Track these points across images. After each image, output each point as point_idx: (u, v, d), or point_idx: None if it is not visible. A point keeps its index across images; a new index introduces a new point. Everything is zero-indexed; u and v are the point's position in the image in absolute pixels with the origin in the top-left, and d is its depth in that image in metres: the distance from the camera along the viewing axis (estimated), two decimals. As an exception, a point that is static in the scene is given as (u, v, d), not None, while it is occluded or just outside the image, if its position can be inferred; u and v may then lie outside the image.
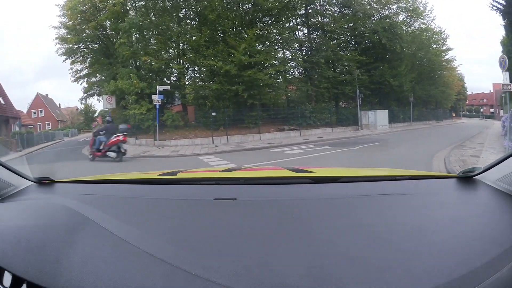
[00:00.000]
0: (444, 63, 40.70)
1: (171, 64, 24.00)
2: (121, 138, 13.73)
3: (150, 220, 1.30)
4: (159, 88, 20.56)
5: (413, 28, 35.64)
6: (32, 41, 61.44)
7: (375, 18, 30.90)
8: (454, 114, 61.68)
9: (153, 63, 23.01)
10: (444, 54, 39.83)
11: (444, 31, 39.73)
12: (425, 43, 36.91)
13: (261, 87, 23.03)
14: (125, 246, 1.04)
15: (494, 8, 19.83)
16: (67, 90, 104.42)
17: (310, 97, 27.27)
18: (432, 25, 37.40)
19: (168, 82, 25.06)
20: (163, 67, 23.99)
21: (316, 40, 29.40)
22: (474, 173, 1.53)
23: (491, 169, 1.46)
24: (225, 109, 21.51)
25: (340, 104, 31.77)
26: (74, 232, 1.18)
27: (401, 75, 31.33)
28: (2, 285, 0.99)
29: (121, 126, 14.62)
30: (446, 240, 1.00)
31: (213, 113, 20.76)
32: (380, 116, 29.50)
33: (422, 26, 36.13)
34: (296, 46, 29.01)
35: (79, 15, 24.56)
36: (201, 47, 22.52)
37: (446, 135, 23.41)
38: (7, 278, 0.99)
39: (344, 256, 0.93)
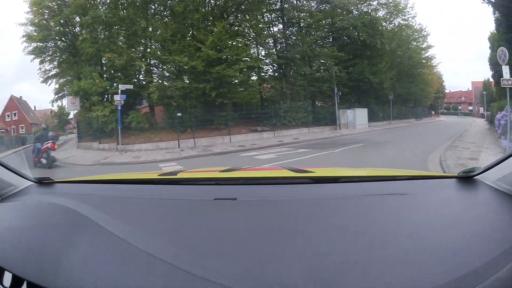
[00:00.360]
0: (424, 61, 42.14)
1: (136, 62, 23.09)
2: (49, 145, 14.09)
3: (150, 220, 1.34)
4: (121, 87, 19.90)
5: (393, 25, 36.38)
6: (6, 40, 58.05)
7: (355, 14, 31.36)
8: (433, 112, 65.25)
9: (117, 60, 22.32)
10: (424, 51, 41.02)
11: (425, 28, 40.23)
12: (405, 40, 37.73)
13: (231, 85, 22.68)
14: (125, 246, 1.07)
15: (486, 1, 20.04)
16: (44, 92, 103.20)
17: (285, 96, 27.12)
18: (413, 22, 38.07)
19: (135, 80, 24.56)
20: (128, 65, 23.55)
21: (292, 36, 29.18)
22: (474, 173, 1.55)
23: (491, 169, 1.48)
24: (192, 110, 21.22)
25: (317, 103, 32.12)
26: (74, 232, 1.20)
27: (382, 72, 31.68)
28: (2, 285, 1.01)
29: (50, 134, 15.01)
30: (446, 240, 1.03)
31: (179, 114, 20.18)
32: (359, 115, 29.79)
33: (403, 23, 36.94)
34: (271, 41, 28.82)
35: (45, 11, 24.10)
36: (167, 41, 21.92)
37: (431, 133, 23.83)
38: (7, 278, 1.01)
39: (344, 256, 0.97)
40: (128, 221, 1.32)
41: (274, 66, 28.79)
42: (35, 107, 45.14)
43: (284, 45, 27.93)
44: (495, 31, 22.91)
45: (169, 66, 23.11)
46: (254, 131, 22.25)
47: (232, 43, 22.91)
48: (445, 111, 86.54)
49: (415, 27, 37.72)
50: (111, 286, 0.90)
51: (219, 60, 21.06)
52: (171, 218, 1.38)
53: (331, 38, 31.76)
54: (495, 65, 21.49)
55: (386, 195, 1.51)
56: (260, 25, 26.23)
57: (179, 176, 2.05)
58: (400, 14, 35.36)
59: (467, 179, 1.58)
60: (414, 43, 38.77)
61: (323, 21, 29.39)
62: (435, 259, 0.93)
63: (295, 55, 25.75)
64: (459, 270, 0.88)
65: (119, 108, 19.21)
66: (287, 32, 28.27)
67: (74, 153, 20.22)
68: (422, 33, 39.20)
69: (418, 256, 0.96)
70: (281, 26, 28.69)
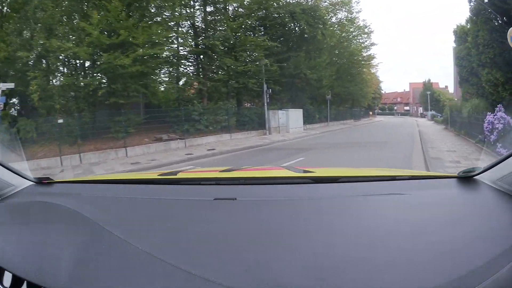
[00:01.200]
0: (365, 60, 43.31)
1: (19, 52, 17.98)
2: None
3: (150, 220, 1.43)
4: (1, 86, 16.38)
5: (336, 18, 36.38)
6: None
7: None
8: (370, 113, 70.64)
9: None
10: (366, 50, 42.02)
11: (369, 25, 42.78)
12: (347, 36, 38.39)
13: (127, 79, 18.66)
14: (125, 246, 1.14)
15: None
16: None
17: (201, 93, 24.38)
18: (357, 18, 38.36)
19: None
20: (12, 57, 18.12)
21: (214, 19, 25.99)
22: (474, 173, 1.67)
23: (491, 169, 1.57)
24: (80, 114, 17.86)
25: (246, 103, 29.93)
26: (74, 232, 1.29)
27: (321, 68, 30.55)
28: (2, 285, 1.08)
29: None
30: (446, 240, 1.11)
31: (60, 121, 17.01)
32: (293, 117, 28.45)
33: (347, 17, 37.07)
34: (188, 24, 25.13)
35: None
36: (56, 24, 18.23)
37: (382, 136, 23.11)
38: (7, 278, 1.08)
39: (344, 256, 1.06)
40: (128, 221, 1.41)
41: (191, 57, 26.08)
42: None
43: (203, 30, 25.15)
44: (462, 23, 23.67)
45: (54, 56, 18.55)
46: (158, 140, 19.24)
47: (130, 23, 18.99)
48: (380, 111, 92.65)
49: (358, 23, 38.76)
50: (111, 286, 0.95)
51: (115, 46, 17.96)
52: (171, 218, 1.45)
53: (262, 26, 29.59)
54: (462, 60, 21.86)
55: (386, 195, 1.59)
56: (171, 2, 21.86)
57: (179, 176, 2.16)
58: (344, 8, 35.55)
59: (467, 179, 1.66)
60: (356, 40, 40.10)
61: (255, 7, 26.78)
62: (435, 259, 0.98)
63: (215, 41, 23.08)
64: (459, 270, 0.92)
65: (-4, 114, 16.24)
66: (209, 17, 25.58)
67: None
68: (366, 29, 39.74)
69: (418, 256, 1.02)
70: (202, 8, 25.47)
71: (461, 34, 22.43)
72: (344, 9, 35.54)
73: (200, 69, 25.18)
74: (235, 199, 1.57)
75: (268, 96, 25.09)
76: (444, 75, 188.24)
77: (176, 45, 23.71)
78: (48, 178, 2.00)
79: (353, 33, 39.00)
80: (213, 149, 17.88)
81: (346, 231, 1.23)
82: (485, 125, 12.87)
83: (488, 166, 1.58)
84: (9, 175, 1.82)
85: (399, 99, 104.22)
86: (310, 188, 1.75)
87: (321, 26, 29.68)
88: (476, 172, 1.64)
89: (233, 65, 24.68)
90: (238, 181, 1.97)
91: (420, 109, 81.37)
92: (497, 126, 12.06)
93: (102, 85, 18.38)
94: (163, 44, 21.39)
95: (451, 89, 79.85)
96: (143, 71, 18.93)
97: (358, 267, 0.97)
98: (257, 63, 25.62)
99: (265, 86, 24.84)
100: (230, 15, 26.21)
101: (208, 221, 1.37)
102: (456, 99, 66.87)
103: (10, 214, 1.62)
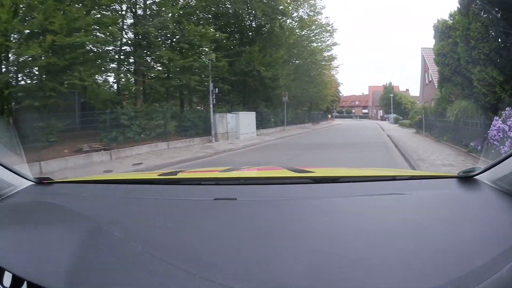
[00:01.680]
0: (326, 60, 41.66)
1: None
2: None
3: (150, 220, 1.48)
4: None
5: (297, 14, 33.76)
6: None
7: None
8: (329, 116, 71.08)
9: None
10: (328, 49, 41.02)
11: (332, 24, 39.86)
12: (309, 34, 36.38)
13: (47, 75, 15.46)
14: (125, 246, 1.19)
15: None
16: None
17: (136, 93, 21.36)
18: (321, 12, 36.65)
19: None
20: None
21: (154, 1, 21.85)
22: (474, 173, 1.75)
23: (491, 169, 1.64)
24: None
25: (195, 106, 27.95)
26: (74, 232, 1.33)
27: (277, 65, 28.21)
28: (2, 285, 1.11)
29: None
30: (446, 240, 1.16)
31: None
32: (245, 121, 25.98)
33: (311, 12, 34.77)
34: (123, 8, 20.88)
35: None
36: None
37: (348, 140, 21.77)
38: (7, 278, 1.11)
39: (344, 255, 1.10)
40: (128, 221, 1.45)
41: (128, 49, 22.32)
42: None
43: (140, 17, 20.94)
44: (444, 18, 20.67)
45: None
46: (79, 151, 15.69)
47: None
48: (338, 114, 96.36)
49: (321, 21, 37.18)
50: (111, 286, 0.99)
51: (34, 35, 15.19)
52: (171, 218, 1.49)
53: (213, 18, 26.65)
54: (444, 57, 19.08)
55: (386, 195, 1.65)
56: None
57: (179, 176, 2.25)
58: (307, 3, 33.68)
59: (467, 179, 1.74)
60: (318, 38, 38.20)
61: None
62: (435, 259, 1.02)
63: (150, 28, 19.60)
64: (459, 270, 0.95)
65: None
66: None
67: None
68: (328, 28, 39.10)
69: (418, 256, 1.06)
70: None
71: (443, 29, 20.26)
72: (306, 4, 34.69)
73: (132, 62, 21.86)
74: (235, 199, 1.62)
75: (214, 97, 22.43)
76: (405, 78, 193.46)
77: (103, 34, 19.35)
78: (48, 178, 2.10)
79: (315, 31, 39.14)
80: (140, 163, 15.18)
81: (346, 231, 1.28)
82: (493, 132, 11.06)
83: (488, 166, 1.66)
84: (9, 175, 1.88)
85: (357, 102, 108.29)
86: (310, 188, 1.83)
87: (280, 18, 28.49)
88: (476, 172, 1.73)
89: (172, 58, 21.08)
90: (238, 181, 2.05)
91: (380, 112, 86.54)
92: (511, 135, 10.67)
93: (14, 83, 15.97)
94: (89, 31, 17.05)
95: (412, 92, 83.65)
96: (60, 64, 15.32)
97: (358, 267, 1.01)
98: (202, 58, 23.41)
99: (211, 84, 22.31)
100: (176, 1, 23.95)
101: (208, 221, 1.44)
102: (418, 102, 69.43)
103: (10, 214, 1.66)
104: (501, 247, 1.03)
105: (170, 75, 22.04)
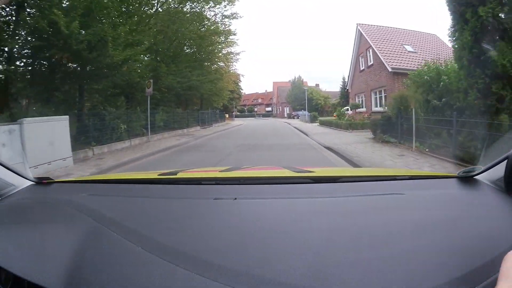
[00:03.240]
0: (223, 34, 32.29)
1: None
2: None
3: (150, 220, 1.50)
4: None
5: None
6: None
7: None
8: (227, 115, 63.77)
9: None
10: (224, 21, 31.24)
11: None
12: (203, 15, 28.94)
13: None
14: (125, 246, 1.19)
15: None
16: None
17: None
18: None
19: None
20: None
21: None
22: (474, 173, 1.77)
23: (491, 169, 1.65)
24: None
25: None
26: (74, 232, 1.34)
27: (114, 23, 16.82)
28: (2, 285, 1.13)
29: None
30: (446, 240, 1.16)
31: None
32: (42, 137, 11.17)
33: None
34: None
35: None
36: None
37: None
38: (7, 278, 1.14)
39: (344, 256, 1.10)
40: (128, 220, 1.43)
41: None
42: None
43: None
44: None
45: None
46: None
47: None
48: (239, 113, 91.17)
49: None
50: (111, 286, 0.99)
51: None
52: (171, 218, 1.51)
53: None
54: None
55: (386, 195, 1.67)
56: None
57: (179, 176, 2.24)
58: None
59: (467, 179, 1.75)
60: (216, 20, 30.74)
61: None
62: (435, 259, 1.02)
63: None
64: (459, 270, 0.96)
65: None
66: None
67: None
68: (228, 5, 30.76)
69: (418, 256, 1.07)
70: None
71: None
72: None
73: None
74: (235, 198, 1.62)
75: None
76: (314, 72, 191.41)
77: None
78: (48, 178, 2.08)
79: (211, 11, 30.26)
80: None
81: (346, 231, 1.29)
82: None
83: (488, 166, 1.66)
84: (9, 175, 1.89)
85: (260, 100, 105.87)
86: (310, 187, 1.83)
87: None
88: (476, 172, 1.73)
89: None
90: (238, 181, 2.05)
91: (287, 109, 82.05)
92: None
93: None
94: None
95: (323, 87, 79.24)
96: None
97: (358, 267, 1.01)
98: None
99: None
100: None
101: (208, 221, 1.44)
102: (330, 97, 64.13)
103: (10, 214, 1.64)
104: (501, 247, 1.02)
105: None
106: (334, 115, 33.80)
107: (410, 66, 23.94)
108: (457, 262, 0.99)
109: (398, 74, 24.61)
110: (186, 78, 27.04)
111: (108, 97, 20.40)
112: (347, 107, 37.95)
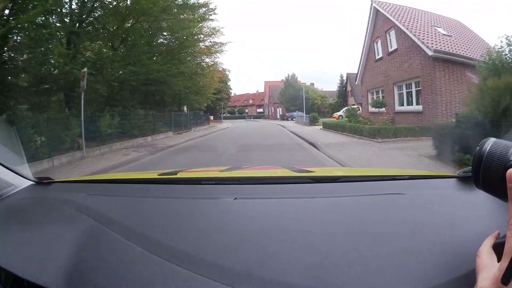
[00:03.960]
0: (201, 22, 26.36)
1: None
2: None
3: (150, 220, 1.50)
4: None
5: None
6: None
7: None
8: (211, 117, 57.80)
9: None
10: (204, 16, 25.63)
11: None
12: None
13: None
14: (125, 246, 1.20)
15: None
16: None
17: None
18: None
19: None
20: None
21: None
22: None
23: None
24: None
25: None
26: (74, 231, 1.35)
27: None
28: (2, 285, 1.15)
29: None
30: (446, 240, 1.18)
31: None
32: None
33: None
34: None
35: None
36: None
37: None
38: (7, 278, 1.16)
39: (344, 255, 1.11)
40: (128, 220, 1.44)
41: None
42: None
43: None
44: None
45: None
46: None
47: None
48: (229, 115, 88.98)
49: None
50: (111, 286, 1.00)
51: None
52: (171, 218, 1.53)
53: None
54: None
55: (386, 195, 1.68)
56: None
57: (179, 175, 2.28)
58: None
59: (467, 179, 1.76)
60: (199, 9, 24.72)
61: None
62: (435, 259, 1.04)
63: None
64: (459, 269, 0.97)
65: None
66: None
67: None
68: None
69: (417, 255, 1.08)
70: None
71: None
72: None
73: None
74: (235, 198, 1.63)
75: None
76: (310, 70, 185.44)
77: None
78: (48, 178, 2.10)
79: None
80: None
81: (346, 231, 1.29)
82: None
83: None
84: (9, 175, 1.91)
85: (251, 101, 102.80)
86: (310, 187, 1.85)
87: None
88: None
89: None
90: (238, 180, 2.07)
91: (280, 110, 76.03)
92: None
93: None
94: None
95: (317, 87, 74.04)
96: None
97: (358, 267, 1.02)
98: None
99: None
100: None
101: (208, 220, 1.45)
102: (327, 96, 58.95)
103: (10, 214, 1.67)
104: None
105: None
106: (334, 116, 30.01)
107: (453, 51, 18.95)
108: (457, 262, 1.00)
109: (440, 60, 18.32)
110: (143, 68, 19.95)
111: (30, 97, 14.95)
112: (357, 106, 33.66)
